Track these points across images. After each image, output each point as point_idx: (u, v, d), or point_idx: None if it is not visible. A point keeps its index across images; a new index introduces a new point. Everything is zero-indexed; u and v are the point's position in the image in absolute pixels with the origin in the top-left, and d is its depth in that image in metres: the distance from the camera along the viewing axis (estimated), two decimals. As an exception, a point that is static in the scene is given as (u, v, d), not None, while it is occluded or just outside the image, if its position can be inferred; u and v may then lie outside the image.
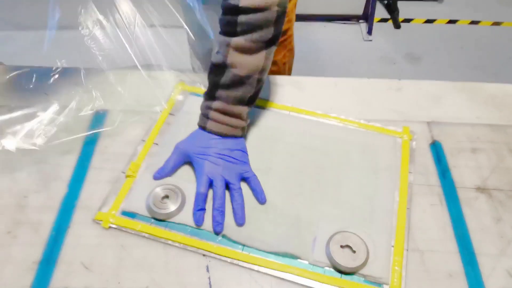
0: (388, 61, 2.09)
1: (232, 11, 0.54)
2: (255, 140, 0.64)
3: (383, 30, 2.27)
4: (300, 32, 2.19)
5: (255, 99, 0.61)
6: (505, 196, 0.60)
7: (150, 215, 0.55)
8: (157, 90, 0.71)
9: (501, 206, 0.59)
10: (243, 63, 0.56)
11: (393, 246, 0.53)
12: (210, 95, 0.60)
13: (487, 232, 0.56)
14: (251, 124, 0.66)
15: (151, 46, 0.73)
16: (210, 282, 0.51)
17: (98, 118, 0.67)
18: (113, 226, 0.54)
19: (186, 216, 0.55)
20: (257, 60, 0.57)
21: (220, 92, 0.58)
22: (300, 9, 2.28)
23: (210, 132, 0.60)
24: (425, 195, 0.59)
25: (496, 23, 2.33)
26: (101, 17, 0.71)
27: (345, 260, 0.51)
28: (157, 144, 0.63)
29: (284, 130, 0.66)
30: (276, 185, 0.59)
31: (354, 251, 0.52)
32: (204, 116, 0.60)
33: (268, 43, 0.57)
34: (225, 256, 0.52)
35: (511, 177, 0.62)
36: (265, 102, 0.70)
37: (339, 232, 0.53)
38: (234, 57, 0.56)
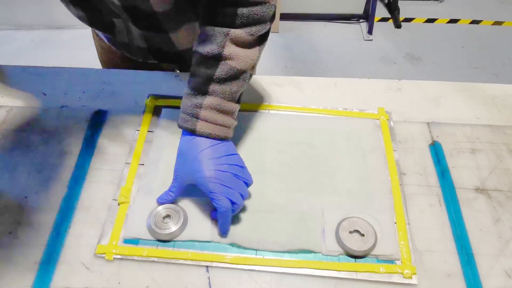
0: (388, 61, 2.09)
1: (232, 2, 0.51)
2: (242, 142, 0.64)
3: (383, 29, 2.27)
4: (300, 32, 2.20)
5: (241, 97, 0.57)
6: (504, 197, 0.60)
7: (153, 238, 0.54)
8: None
9: (500, 206, 0.59)
10: (241, 56, 0.52)
11: (395, 223, 0.56)
12: (199, 91, 0.53)
13: (486, 232, 0.56)
14: (239, 129, 0.65)
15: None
16: (209, 282, 0.51)
17: (98, 118, 0.67)
18: (117, 257, 0.52)
19: (192, 232, 0.54)
20: (253, 54, 0.54)
21: (214, 87, 0.52)
22: (300, 9, 2.29)
23: (200, 135, 0.52)
24: (424, 195, 0.59)
25: (497, 23, 2.33)
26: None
27: (357, 244, 0.53)
28: (143, 164, 0.61)
29: (268, 129, 0.66)
30: (273, 184, 0.59)
31: (363, 235, 0.54)
32: (192, 116, 0.53)
33: (262, 38, 0.55)
34: (243, 264, 0.52)
35: (510, 178, 0.62)
36: (243, 104, 0.70)
37: (344, 219, 0.55)
38: (232, 49, 0.52)
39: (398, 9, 2.31)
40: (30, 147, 0.63)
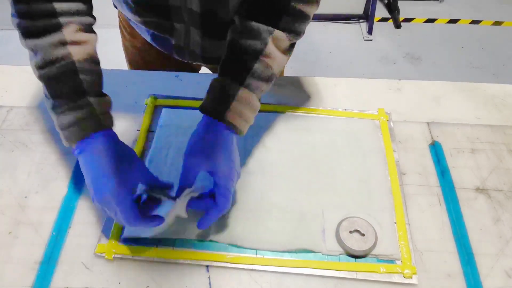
0: (388, 61, 2.09)
1: (281, 5, 0.52)
2: (242, 142, 0.64)
3: (383, 29, 2.27)
4: (301, 32, 2.19)
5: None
6: (504, 197, 0.60)
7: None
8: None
9: (500, 206, 0.59)
10: (277, 58, 0.53)
11: (395, 223, 0.56)
12: (235, 80, 0.52)
13: (486, 232, 0.56)
14: None
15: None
16: (210, 281, 0.51)
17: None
18: (117, 256, 0.52)
19: (194, 230, 0.54)
20: (285, 59, 0.55)
21: (250, 80, 0.52)
22: (301, 9, 2.28)
23: (228, 126, 0.51)
24: (424, 195, 0.59)
25: (497, 23, 2.33)
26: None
27: (357, 244, 0.53)
28: None
29: (267, 129, 0.66)
30: (273, 184, 0.59)
31: (363, 234, 0.54)
32: (223, 103, 0.51)
33: (292, 47, 0.56)
34: (243, 264, 0.52)
35: (510, 178, 0.62)
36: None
37: (344, 219, 0.55)
38: (272, 49, 0.53)
39: (398, 9, 2.31)
40: (30, 147, 0.63)
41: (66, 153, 0.63)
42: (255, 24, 0.53)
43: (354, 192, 0.59)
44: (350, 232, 0.54)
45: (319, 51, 2.09)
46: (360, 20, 2.29)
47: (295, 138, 0.65)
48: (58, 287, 0.50)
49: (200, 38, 0.65)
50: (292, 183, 0.60)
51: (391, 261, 0.53)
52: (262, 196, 0.58)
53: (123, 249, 0.53)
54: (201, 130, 0.52)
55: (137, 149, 0.63)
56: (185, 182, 0.51)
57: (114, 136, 0.52)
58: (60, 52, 0.49)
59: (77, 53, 0.50)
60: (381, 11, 2.37)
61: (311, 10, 0.54)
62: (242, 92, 0.52)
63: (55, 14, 0.49)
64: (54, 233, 0.54)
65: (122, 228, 0.55)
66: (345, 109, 0.70)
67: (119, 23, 0.84)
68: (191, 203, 0.52)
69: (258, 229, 0.55)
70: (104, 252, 0.52)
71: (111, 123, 0.52)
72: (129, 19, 0.72)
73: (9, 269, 0.51)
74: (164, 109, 0.68)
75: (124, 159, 0.50)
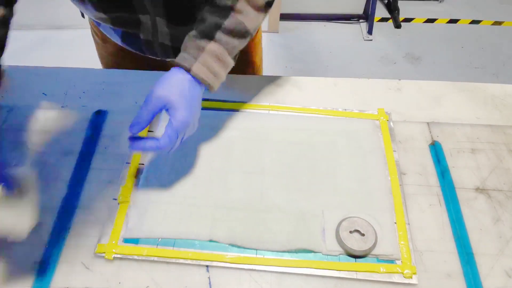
0: (388, 61, 2.09)
1: None
2: (242, 142, 0.64)
3: (383, 29, 2.27)
4: (300, 32, 2.20)
5: (236, 59, 0.57)
6: (504, 197, 0.60)
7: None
8: None
9: (500, 206, 0.59)
10: (250, 15, 0.54)
11: (395, 223, 0.56)
12: (205, 35, 0.53)
13: (486, 232, 0.56)
14: (234, 127, 0.66)
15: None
16: (210, 281, 0.51)
17: (98, 118, 0.67)
18: (117, 256, 0.52)
19: (194, 230, 0.55)
20: (260, 18, 0.56)
21: (220, 35, 0.53)
22: (300, 9, 2.29)
23: (194, 76, 0.52)
24: (424, 195, 0.59)
25: (497, 23, 2.33)
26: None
27: (357, 244, 0.53)
28: (142, 164, 0.62)
29: (267, 129, 0.66)
30: (273, 184, 0.59)
31: (363, 234, 0.54)
32: (191, 56, 0.53)
33: (268, 6, 0.56)
34: (243, 264, 0.52)
35: (510, 178, 0.62)
36: (243, 104, 0.70)
37: (344, 219, 0.55)
38: (244, 6, 0.54)
39: (398, 9, 2.31)
40: (30, 147, 0.63)
41: (66, 153, 0.63)
42: None
43: (354, 192, 0.59)
44: (350, 232, 0.54)
45: (319, 51, 2.09)
46: (360, 20, 2.29)
47: (295, 138, 0.65)
48: (58, 287, 0.50)
49: (167, 27, 0.65)
50: (292, 183, 0.60)
51: (391, 261, 0.53)
52: (262, 196, 0.58)
53: (123, 249, 0.53)
54: (169, 74, 0.53)
55: (137, 149, 0.63)
56: (144, 113, 0.51)
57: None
58: None
59: None
60: (381, 11, 2.37)
61: None
62: (212, 46, 0.53)
63: None
64: (54, 233, 0.54)
65: (122, 228, 0.55)
66: (345, 109, 0.70)
67: (91, 30, 0.84)
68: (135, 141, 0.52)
69: (258, 229, 0.55)
70: (104, 252, 0.52)
71: None
72: (97, 23, 0.72)
73: (9, 270, 0.51)
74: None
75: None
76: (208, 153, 0.63)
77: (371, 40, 2.19)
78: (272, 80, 0.74)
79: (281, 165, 0.62)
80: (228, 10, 0.53)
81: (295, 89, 0.73)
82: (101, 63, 0.88)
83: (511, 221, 0.57)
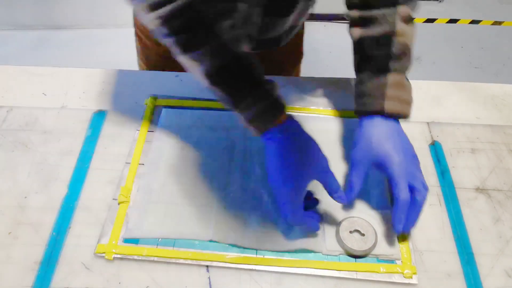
0: (388, 61, 2.09)
1: None
2: (242, 142, 0.64)
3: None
4: (300, 32, 2.19)
5: None
6: (504, 197, 0.60)
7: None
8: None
9: (500, 206, 0.59)
10: (408, 32, 0.55)
11: None
12: (379, 71, 0.53)
13: (486, 232, 0.56)
14: (235, 127, 0.65)
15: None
16: (210, 282, 0.51)
17: (98, 118, 0.67)
18: (118, 256, 0.52)
19: (194, 230, 0.55)
20: (414, 29, 0.56)
21: (394, 64, 0.53)
22: (300, 9, 2.28)
23: (388, 114, 0.52)
24: (424, 195, 0.59)
25: (497, 23, 2.33)
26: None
27: (358, 244, 0.53)
28: (143, 164, 0.61)
29: None
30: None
31: (363, 234, 0.54)
32: (377, 97, 0.53)
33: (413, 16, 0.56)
34: (243, 264, 0.52)
35: (510, 178, 0.62)
36: None
37: (344, 219, 0.55)
38: (402, 26, 0.54)
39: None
40: (30, 147, 0.63)
41: (66, 154, 0.63)
42: (377, 12, 0.54)
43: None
44: (350, 232, 0.54)
45: (319, 51, 2.09)
46: (360, 20, 2.29)
47: None
48: (58, 287, 0.50)
49: (261, 17, 0.64)
50: None
51: (391, 261, 0.53)
52: (261, 196, 0.58)
53: (123, 249, 0.53)
54: (361, 130, 0.54)
55: (137, 149, 0.63)
56: (354, 179, 0.52)
57: (298, 124, 0.52)
58: (224, 53, 0.48)
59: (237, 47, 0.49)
60: (381, 11, 2.37)
61: None
62: (391, 78, 0.53)
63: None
64: (54, 234, 0.54)
65: (122, 228, 0.55)
66: (345, 109, 0.70)
67: (138, 31, 0.82)
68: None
69: (258, 229, 0.55)
70: (104, 252, 0.52)
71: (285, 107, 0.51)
72: None
73: (9, 270, 0.51)
74: (164, 109, 0.68)
75: (307, 151, 0.50)
76: (208, 153, 0.63)
77: (371, 40, 2.19)
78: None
79: None
80: (389, 37, 0.54)
81: (295, 89, 0.73)
82: (145, 64, 0.85)
83: (511, 221, 0.57)
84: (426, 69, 2.05)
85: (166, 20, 0.47)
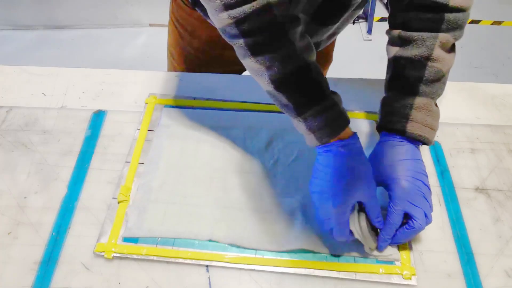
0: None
1: (437, 9, 0.53)
2: (242, 142, 0.64)
3: (383, 29, 2.26)
4: (300, 32, 2.19)
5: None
6: (504, 197, 0.60)
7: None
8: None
9: (499, 206, 0.59)
10: (445, 60, 0.54)
11: None
12: (408, 92, 0.53)
13: (486, 232, 0.56)
14: (235, 127, 0.65)
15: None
16: (209, 281, 0.51)
17: (97, 118, 0.67)
18: (117, 255, 0.52)
19: (194, 230, 0.55)
20: (452, 58, 0.56)
21: (423, 88, 0.53)
22: (300, 9, 2.27)
23: (409, 136, 0.52)
24: (424, 195, 0.59)
25: (496, 23, 2.33)
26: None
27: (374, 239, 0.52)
28: (142, 163, 0.61)
29: (267, 129, 0.66)
30: (273, 184, 0.59)
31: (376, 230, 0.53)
32: (401, 116, 0.53)
33: (454, 45, 0.56)
34: (243, 264, 0.52)
35: (510, 178, 0.62)
36: (243, 104, 0.70)
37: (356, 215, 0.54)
38: (439, 53, 0.53)
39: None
40: (30, 147, 0.63)
41: (65, 154, 0.63)
42: (417, 34, 0.53)
43: None
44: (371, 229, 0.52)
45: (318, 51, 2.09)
46: (360, 20, 2.29)
47: (295, 138, 0.65)
48: (57, 287, 0.50)
49: (306, 24, 0.64)
50: (292, 183, 0.60)
51: (391, 262, 0.53)
52: (262, 196, 0.58)
53: (122, 248, 0.53)
54: (378, 147, 0.54)
55: (137, 148, 0.63)
56: (375, 207, 0.51)
57: (359, 144, 0.51)
58: (295, 60, 0.48)
59: (307, 55, 0.49)
60: (380, 10, 2.36)
61: (470, 2, 0.54)
62: (420, 100, 0.53)
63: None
64: (53, 234, 0.54)
65: (122, 227, 0.55)
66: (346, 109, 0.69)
67: (173, 25, 0.81)
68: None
69: (258, 229, 0.55)
70: (104, 251, 0.52)
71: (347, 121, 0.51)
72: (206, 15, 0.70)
73: (9, 270, 0.51)
74: (164, 108, 0.68)
75: (361, 173, 0.50)
76: (208, 152, 0.63)
77: (371, 40, 2.19)
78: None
79: (281, 165, 0.62)
80: (425, 61, 0.53)
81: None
82: (179, 56, 0.84)
83: (511, 221, 0.57)
84: (425, 69, 2.05)
85: (240, 21, 0.45)
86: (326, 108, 0.49)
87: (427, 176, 0.52)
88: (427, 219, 0.51)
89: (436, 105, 0.55)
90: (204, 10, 0.70)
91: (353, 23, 0.78)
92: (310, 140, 0.51)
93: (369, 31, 2.20)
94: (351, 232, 0.51)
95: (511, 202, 0.59)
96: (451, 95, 0.74)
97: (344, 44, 2.19)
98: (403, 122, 0.52)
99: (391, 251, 0.53)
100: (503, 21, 2.33)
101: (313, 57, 0.50)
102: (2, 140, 0.64)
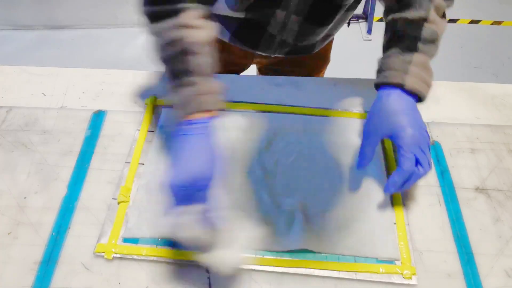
0: (388, 61, 2.09)
1: None
2: (241, 143, 0.64)
3: (382, 29, 2.27)
4: (300, 32, 2.19)
5: None
6: (504, 197, 0.60)
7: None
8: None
9: (499, 206, 0.59)
10: (439, 23, 0.57)
11: (395, 223, 0.56)
12: (407, 49, 0.56)
13: (486, 232, 0.56)
14: (235, 128, 0.65)
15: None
16: (210, 282, 0.51)
17: (97, 118, 0.67)
18: (117, 255, 0.52)
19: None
20: (444, 24, 0.59)
21: (421, 46, 0.56)
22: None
23: (408, 90, 0.54)
24: (424, 195, 0.59)
25: (496, 23, 2.33)
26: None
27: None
28: (142, 163, 0.61)
29: (267, 129, 0.66)
30: (273, 184, 0.59)
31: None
32: (401, 71, 0.55)
33: (445, 13, 0.59)
34: (243, 264, 0.52)
35: (510, 178, 0.62)
36: (243, 104, 0.70)
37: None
38: (434, 16, 0.56)
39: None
40: (30, 148, 0.63)
41: (65, 154, 0.63)
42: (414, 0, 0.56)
43: (354, 192, 0.59)
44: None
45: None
46: (359, 20, 2.29)
47: (295, 138, 0.65)
48: (57, 287, 0.50)
49: (299, 25, 0.66)
50: (291, 183, 0.60)
51: (391, 261, 0.53)
52: (262, 197, 0.58)
53: (122, 248, 0.53)
54: (379, 102, 0.55)
55: (137, 149, 0.63)
56: (367, 148, 0.55)
57: (208, 127, 0.50)
58: (174, 34, 0.51)
59: (189, 36, 0.51)
60: (380, 10, 2.36)
61: None
62: (417, 57, 0.55)
63: (175, 1, 0.51)
64: (53, 234, 0.54)
65: (122, 228, 0.55)
66: (345, 109, 0.70)
67: None
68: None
69: (258, 229, 0.55)
70: (104, 252, 0.52)
71: (212, 105, 0.51)
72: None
73: (9, 270, 0.51)
74: (164, 109, 0.68)
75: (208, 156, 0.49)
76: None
77: (371, 40, 2.19)
78: (272, 80, 0.74)
79: (281, 165, 0.62)
80: (422, 21, 0.56)
81: (295, 89, 0.73)
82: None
83: (511, 221, 0.57)
84: (425, 69, 2.05)
85: None
86: (184, 86, 0.51)
87: (426, 126, 0.55)
88: (429, 166, 0.53)
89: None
90: None
91: (348, 25, 0.78)
92: (175, 113, 0.52)
93: (369, 31, 2.20)
94: None
95: (511, 202, 0.59)
96: (451, 95, 0.74)
97: (344, 44, 2.19)
98: (402, 76, 0.54)
99: (391, 251, 0.53)
100: (503, 21, 2.33)
101: (201, 36, 0.52)
102: (2, 140, 0.64)
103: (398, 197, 0.58)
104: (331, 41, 0.87)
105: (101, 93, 0.71)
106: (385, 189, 0.53)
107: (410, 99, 0.55)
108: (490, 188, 0.61)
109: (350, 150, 0.64)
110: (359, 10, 2.28)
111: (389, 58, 0.57)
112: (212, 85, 0.52)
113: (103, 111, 0.68)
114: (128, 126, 0.66)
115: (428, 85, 0.55)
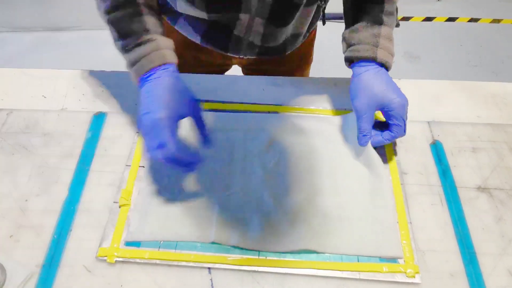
0: (387, 60, 2.09)
1: None
2: (242, 143, 0.64)
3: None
4: (299, 32, 2.19)
5: None
6: (506, 196, 0.60)
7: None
8: None
9: (501, 205, 0.59)
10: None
11: (397, 222, 0.56)
12: (375, 22, 0.60)
13: (488, 231, 0.56)
14: (235, 128, 0.65)
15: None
16: (212, 283, 0.51)
17: (98, 120, 0.67)
18: (119, 259, 0.52)
19: (196, 232, 0.54)
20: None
21: (386, 18, 0.60)
22: (299, 9, 2.27)
23: (380, 63, 0.59)
24: (425, 195, 0.59)
25: (496, 21, 2.33)
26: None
27: None
28: (143, 166, 0.61)
29: (267, 130, 0.65)
30: (274, 185, 0.59)
31: None
32: (372, 45, 0.59)
33: None
34: (245, 265, 0.52)
35: (511, 177, 0.62)
36: (243, 105, 0.70)
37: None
38: None
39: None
40: (30, 150, 0.63)
41: (66, 156, 0.62)
42: None
43: (355, 191, 0.59)
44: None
45: (319, 51, 2.08)
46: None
47: (295, 138, 0.65)
48: (60, 290, 0.50)
49: (264, 27, 0.67)
50: (293, 184, 0.59)
51: (394, 260, 0.53)
52: (263, 197, 0.58)
53: (125, 252, 0.53)
54: (361, 77, 0.59)
55: (137, 151, 0.63)
56: (364, 125, 0.58)
57: (174, 71, 0.55)
58: None
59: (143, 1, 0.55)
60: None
61: None
62: (383, 30, 0.59)
63: None
64: (55, 237, 0.54)
65: (124, 231, 0.55)
66: (345, 109, 0.69)
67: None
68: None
69: (260, 230, 0.55)
70: (106, 256, 0.52)
71: (173, 58, 0.56)
72: (174, 21, 0.74)
73: (11, 273, 0.51)
74: None
75: (179, 93, 0.54)
76: (209, 154, 0.63)
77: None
78: (272, 80, 0.74)
79: (282, 166, 0.62)
80: None
81: (295, 89, 0.73)
82: None
83: (513, 220, 0.57)
84: (424, 68, 2.05)
85: None
86: (143, 42, 0.55)
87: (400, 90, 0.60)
88: (404, 130, 0.59)
89: None
90: (170, 17, 0.74)
91: (324, 23, 0.77)
92: (133, 74, 0.56)
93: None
94: None
95: (513, 201, 0.59)
96: (451, 94, 0.74)
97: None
98: (374, 50, 0.58)
99: (394, 250, 0.53)
100: (502, 19, 2.33)
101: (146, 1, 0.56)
102: (2, 143, 0.64)
103: (400, 196, 0.58)
104: (311, 41, 0.87)
105: (101, 95, 0.71)
106: (362, 143, 0.59)
107: (384, 70, 0.59)
108: (492, 187, 0.60)
109: (351, 149, 0.63)
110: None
111: (358, 32, 0.60)
112: (168, 41, 0.57)
113: (104, 113, 0.68)
114: (128, 128, 0.66)
115: (393, 55, 0.60)
